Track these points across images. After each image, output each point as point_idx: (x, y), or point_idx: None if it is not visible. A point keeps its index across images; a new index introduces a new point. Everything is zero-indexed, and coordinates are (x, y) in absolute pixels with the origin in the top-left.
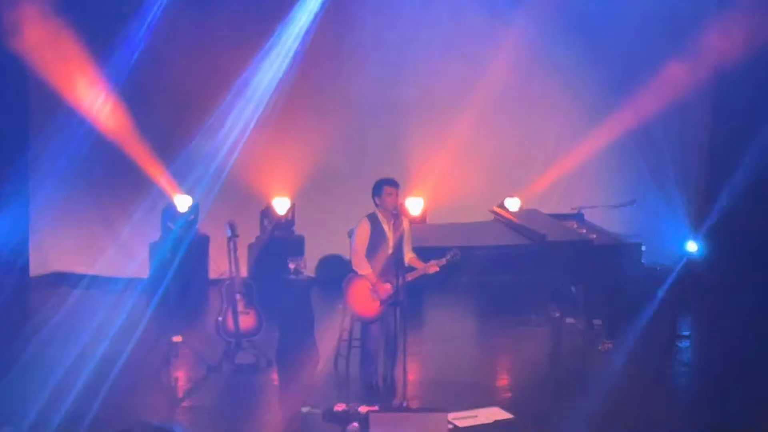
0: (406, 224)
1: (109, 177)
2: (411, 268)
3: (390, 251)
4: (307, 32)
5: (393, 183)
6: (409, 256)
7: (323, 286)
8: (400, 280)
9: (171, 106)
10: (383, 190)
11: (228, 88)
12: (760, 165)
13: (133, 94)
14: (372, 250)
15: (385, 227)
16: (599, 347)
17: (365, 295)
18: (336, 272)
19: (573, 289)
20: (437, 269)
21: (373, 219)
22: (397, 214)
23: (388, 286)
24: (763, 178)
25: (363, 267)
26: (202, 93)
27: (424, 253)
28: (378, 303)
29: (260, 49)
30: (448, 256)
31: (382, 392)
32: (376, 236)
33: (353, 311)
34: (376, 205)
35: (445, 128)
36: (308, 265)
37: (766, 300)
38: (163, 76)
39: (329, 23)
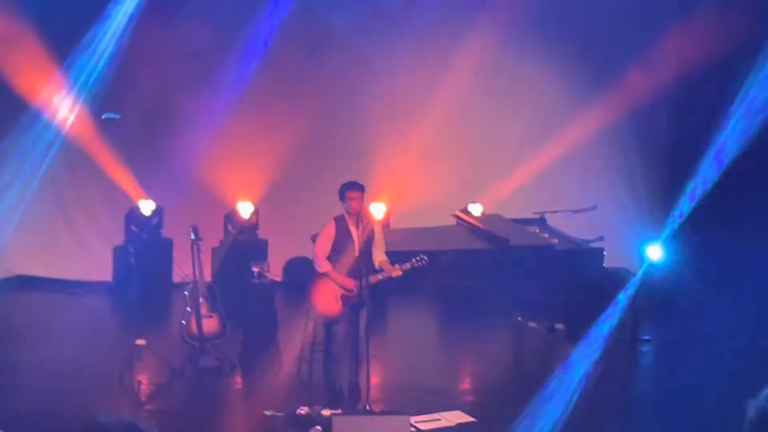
0: (376, 227)
1: (73, 180)
2: (379, 272)
3: (357, 254)
4: (273, 36)
5: (356, 187)
6: (379, 260)
7: (287, 290)
8: (364, 282)
9: (136, 108)
10: (346, 195)
11: (192, 91)
12: (720, 171)
13: (98, 96)
14: (337, 252)
15: (352, 230)
16: (561, 351)
17: (327, 294)
18: (300, 276)
19: (535, 293)
20: (400, 274)
21: (339, 221)
22: (366, 217)
23: (351, 280)
24: (725, 182)
25: (322, 265)
26: (167, 96)
27: (388, 257)
28: (340, 302)
29: (224, 53)
30: (413, 261)
31: (346, 396)
32: (342, 238)
33: (316, 310)
34: (344, 208)
35: (408, 132)
36: (272, 269)
37: (727, 304)
38: (128, 79)
39: (294, 27)
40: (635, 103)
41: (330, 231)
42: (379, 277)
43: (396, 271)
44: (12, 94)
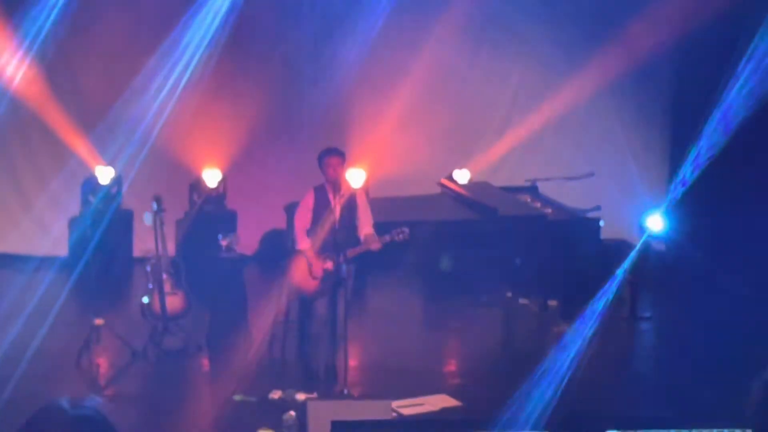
0: (360, 198)
1: (24, 145)
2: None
3: (337, 226)
4: None
5: (332, 153)
6: (365, 233)
7: (257, 265)
8: (341, 258)
9: (92, 68)
10: (323, 161)
11: (153, 48)
12: (726, 135)
13: (50, 54)
14: (316, 224)
15: (332, 200)
16: (554, 329)
17: (304, 268)
18: (271, 250)
19: (526, 267)
20: (380, 247)
21: (318, 191)
22: (348, 186)
23: (328, 263)
24: (730, 148)
25: (300, 241)
26: (126, 54)
27: None
28: (318, 278)
29: (189, 6)
30: (393, 233)
31: (322, 379)
32: (321, 209)
33: (292, 285)
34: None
35: (389, 94)
36: (241, 242)
37: (730, 278)
38: (83, 35)
39: None
40: (635, 62)
41: (308, 202)
42: (357, 250)
43: (375, 244)
44: None
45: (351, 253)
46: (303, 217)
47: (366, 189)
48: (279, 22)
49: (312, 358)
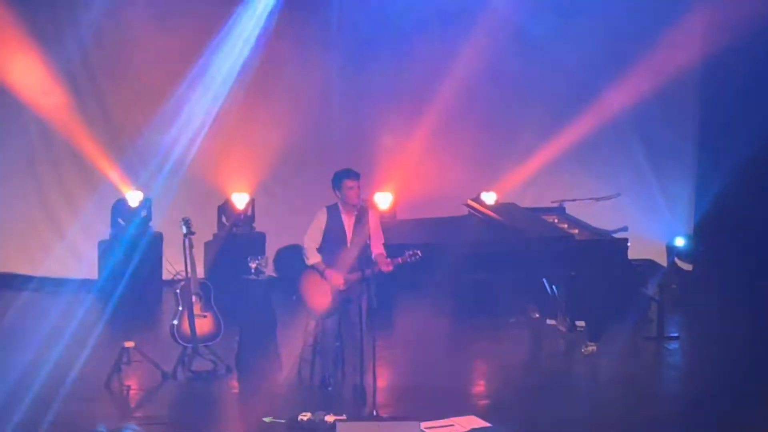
0: (373, 219)
1: (55, 170)
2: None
3: (348, 246)
4: (270, 16)
5: (353, 175)
6: (375, 253)
7: (286, 287)
8: (357, 275)
9: (122, 94)
10: (343, 184)
11: (184, 75)
12: (753, 155)
13: (81, 81)
14: (328, 244)
15: (345, 221)
16: (582, 350)
17: (317, 286)
18: (299, 272)
19: (553, 288)
20: (391, 268)
21: (332, 211)
22: (362, 207)
23: (340, 281)
24: (756, 169)
25: (311, 257)
26: (156, 81)
27: (393, 249)
28: (329, 295)
29: (218, 34)
30: (406, 255)
31: (336, 395)
32: (334, 229)
33: (305, 304)
34: (338, 198)
35: (416, 118)
36: (270, 264)
37: (757, 297)
38: (113, 62)
39: (293, 6)
40: (661, 84)
41: (321, 221)
42: (371, 271)
43: (386, 266)
44: None
45: (366, 273)
46: (313, 236)
47: (392, 211)
48: (307, 48)
49: (327, 368)
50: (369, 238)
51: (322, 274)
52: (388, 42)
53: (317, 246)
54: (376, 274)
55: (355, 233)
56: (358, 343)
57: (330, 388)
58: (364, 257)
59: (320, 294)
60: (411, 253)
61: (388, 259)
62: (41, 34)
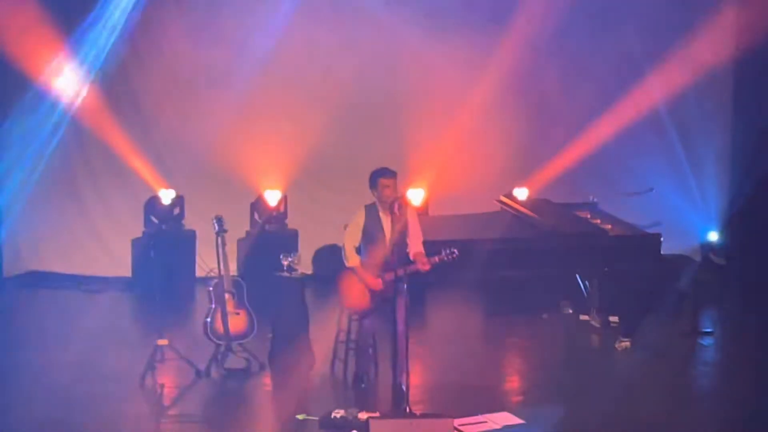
0: (412, 217)
1: (86, 167)
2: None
3: (388, 244)
4: (301, 13)
5: (388, 174)
6: (414, 252)
7: (319, 284)
8: (392, 276)
9: (153, 89)
10: (378, 183)
11: (213, 70)
12: None
13: (112, 76)
14: (368, 244)
15: (383, 219)
16: (616, 346)
17: (355, 287)
18: (332, 268)
19: (587, 283)
20: (429, 268)
21: (370, 211)
22: (401, 206)
23: (379, 281)
24: None
25: (350, 259)
26: (188, 77)
27: (427, 246)
28: (368, 296)
29: (247, 29)
30: (443, 254)
31: (369, 393)
32: (372, 229)
33: (344, 304)
34: (375, 197)
35: (448, 114)
36: (302, 261)
37: None
38: (144, 58)
39: (324, 3)
40: (697, 78)
41: (359, 221)
42: (407, 270)
43: (424, 266)
44: (14, 71)
45: (400, 272)
46: (353, 235)
47: (424, 208)
48: (338, 45)
49: (362, 366)
50: (407, 237)
51: (360, 278)
52: (423, 36)
53: (356, 245)
54: (412, 273)
55: (394, 232)
56: (394, 342)
57: (364, 386)
58: (403, 256)
59: (358, 294)
60: (448, 252)
61: (425, 258)
62: (72, 32)
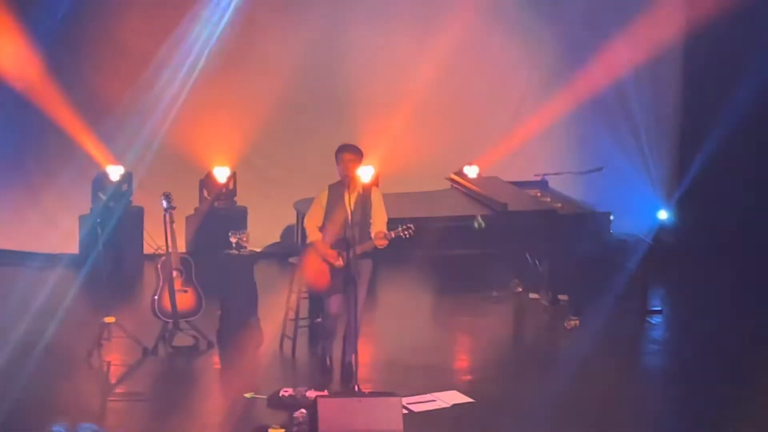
0: (375, 195)
1: (32, 141)
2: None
3: (350, 222)
4: None
5: (351, 149)
6: (376, 229)
7: (267, 262)
8: (352, 253)
9: (100, 64)
10: (341, 157)
11: (162, 43)
12: (735, 129)
13: (57, 49)
14: (329, 221)
15: (346, 199)
16: (565, 325)
17: (316, 266)
18: (281, 246)
19: (537, 262)
20: (386, 243)
21: (333, 188)
22: (364, 185)
23: (340, 260)
24: (738, 142)
25: (311, 235)
26: (135, 49)
27: None
28: (329, 273)
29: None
30: (399, 230)
31: (337, 374)
32: (334, 206)
33: (306, 281)
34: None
35: (397, 90)
36: (251, 239)
37: (741, 271)
38: (90, 30)
39: None
40: (645, 58)
41: (322, 200)
42: (365, 246)
43: (381, 241)
44: None
45: (359, 249)
46: (315, 213)
47: (374, 185)
48: (289, 17)
49: (328, 353)
50: (370, 216)
51: (318, 253)
52: (371, 11)
53: (319, 225)
54: (370, 249)
55: (356, 211)
56: (352, 321)
57: (330, 365)
58: (366, 234)
59: (318, 271)
60: (404, 227)
61: (384, 232)
62: (18, 3)
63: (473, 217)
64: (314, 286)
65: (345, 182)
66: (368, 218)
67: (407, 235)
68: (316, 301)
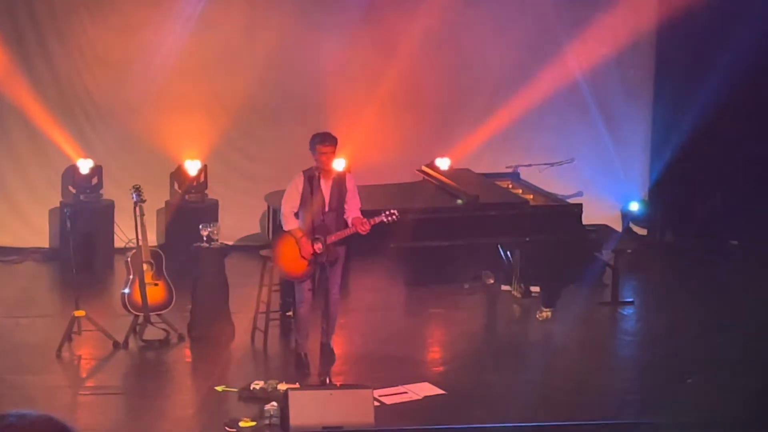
0: (349, 182)
1: (3, 136)
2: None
3: (326, 209)
4: None
5: (327, 139)
6: (352, 215)
7: (238, 255)
8: (328, 240)
9: (69, 56)
10: (317, 148)
11: (132, 35)
12: (707, 119)
13: (25, 39)
14: (305, 208)
15: (322, 185)
16: (537, 316)
17: (291, 253)
18: (253, 239)
19: (508, 253)
20: (368, 228)
21: (309, 175)
22: (339, 172)
23: (317, 245)
24: (710, 133)
25: (288, 222)
26: (105, 38)
27: None
28: (305, 262)
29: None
30: (384, 215)
31: (309, 365)
32: (311, 193)
33: (280, 269)
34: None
35: (368, 83)
36: (222, 232)
37: (712, 262)
38: (58, 18)
39: None
40: (617, 48)
41: (298, 185)
42: (345, 233)
43: (363, 226)
44: None
45: (339, 235)
46: (291, 199)
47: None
48: (258, 17)
49: (303, 344)
50: (345, 203)
51: (297, 241)
52: (343, 4)
53: (295, 210)
54: (349, 236)
55: (332, 198)
56: (327, 306)
57: (305, 359)
58: (341, 221)
59: (294, 259)
60: (388, 213)
61: (364, 219)
62: None
63: (446, 209)
64: (289, 273)
65: (321, 170)
66: (343, 204)
67: (391, 221)
68: (288, 293)
